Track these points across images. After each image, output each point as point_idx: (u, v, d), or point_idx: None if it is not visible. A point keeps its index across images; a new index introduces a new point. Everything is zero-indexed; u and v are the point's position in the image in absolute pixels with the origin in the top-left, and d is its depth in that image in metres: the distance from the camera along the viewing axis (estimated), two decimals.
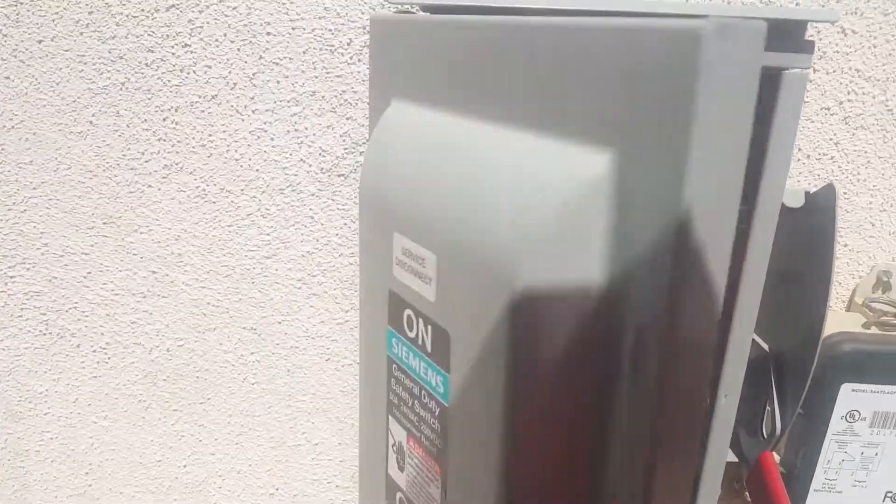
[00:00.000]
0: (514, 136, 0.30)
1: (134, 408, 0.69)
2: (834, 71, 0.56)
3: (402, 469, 0.36)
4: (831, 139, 0.58)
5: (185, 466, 0.71)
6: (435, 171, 0.32)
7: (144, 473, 0.72)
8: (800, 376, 0.52)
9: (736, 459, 0.56)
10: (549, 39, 0.29)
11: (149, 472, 0.72)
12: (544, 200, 0.28)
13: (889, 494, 0.57)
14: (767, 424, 0.54)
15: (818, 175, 0.59)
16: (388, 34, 0.41)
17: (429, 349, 0.32)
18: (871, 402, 0.55)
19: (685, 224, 0.25)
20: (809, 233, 0.50)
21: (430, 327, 0.31)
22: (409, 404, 0.35)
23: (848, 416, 0.55)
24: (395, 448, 0.36)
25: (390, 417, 0.36)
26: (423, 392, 0.33)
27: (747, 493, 0.55)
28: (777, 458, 0.58)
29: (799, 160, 0.58)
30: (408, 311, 0.33)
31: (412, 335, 0.33)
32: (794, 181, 0.59)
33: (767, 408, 0.54)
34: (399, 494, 0.37)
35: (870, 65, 0.56)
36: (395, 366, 0.35)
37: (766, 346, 0.53)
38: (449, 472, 0.32)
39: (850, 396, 0.55)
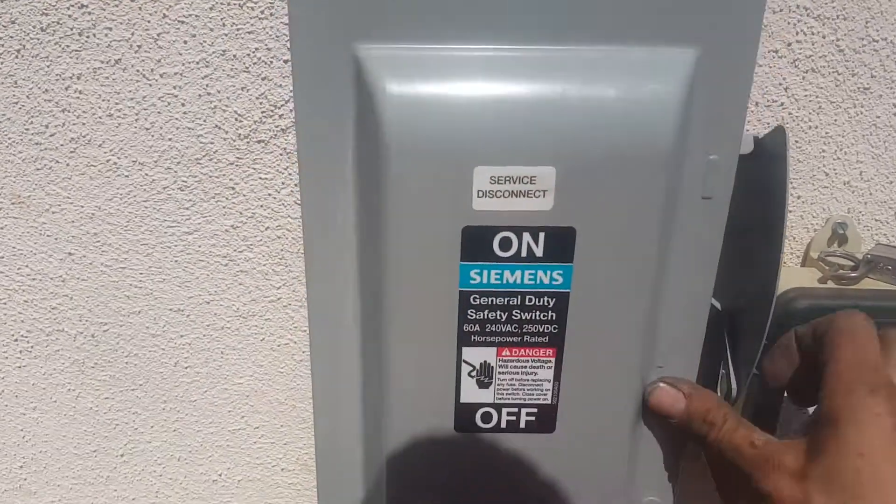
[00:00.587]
0: (581, 52, 0.38)
1: (63, 398, 0.65)
2: (781, 10, 0.52)
3: (487, 385, 0.42)
4: (780, 84, 0.54)
5: (122, 456, 0.68)
6: (522, 99, 0.37)
7: (81, 465, 0.69)
8: (755, 335, 0.49)
9: None
10: None
11: (85, 462, 0.69)
12: (656, 93, 0.37)
13: None
14: (723, 386, 0.51)
15: (767, 123, 0.55)
16: None
17: (539, 254, 0.39)
18: None
19: None
20: (760, 181, 0.47)
21: (542, 234, 0.38)
22: (501, 318, 0.41)
23: None
24: (474, 372, 0.42)
25: (464, 349, 0.41)
26: (525, 297, 0.40)
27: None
28: None
29: (747, 107, 0.55)
30: (502, 234, 0.38)
31: (509, 254, 0.39)
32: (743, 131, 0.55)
33: (723, 370, 0.51)
34: (482, 411, 0.43)
35: (819, 2, 0.52)
36: (472, 297, 0.40)
37: (718, 306, 0.50)
38: (566, 348, 0.41)
39: None
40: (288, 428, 0.66)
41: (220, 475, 0.69)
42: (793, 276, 0.56)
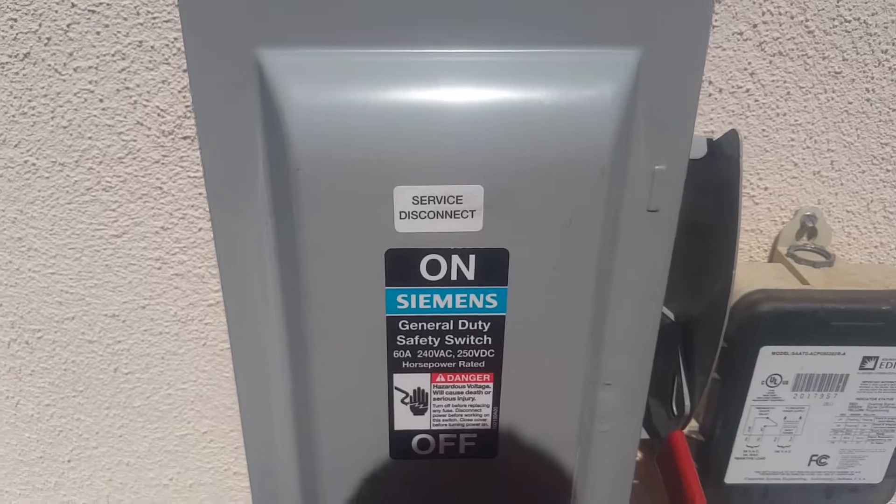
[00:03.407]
0: (511, 56, 0.34)
1: (2, 405, 0.63)
2: None
3: (422, 412, 0.40)
4: (746, 69, 0.51)
5: (69, 461, 0.66)
6: (445, 109, 0.33)
7: (27, 471, 0.66)
8: (710, 344, 0.46)
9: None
10: None
11: (31, 468, 0.66)
12: (594, 99, 0.33)
13: (814, 458, 0.52)
14: (677, 401, 0.48)
15: (732, 111, 0.52)
16: None
17: (470, 277, 0.36)
18: (794, 364, 0.49)
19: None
20: (714, 185, 0.44)
21: (473, 256, 0.35)
22: (433, 345, 0.38)
23: (769, 381, 0.50)
24: (407, 399, 0.39)
25: (395, 375, 0.38)
26: (458, 322, 0.37)
27: (659, 473, 0.50)
28: (696, 425, 0.53)
29: (710, 95, 0.51)
30: (429, 257, 0.35)
31: (437, 277, 0.36)
32: (707, 119, 0.52)
33: (676, 383, 0.49)
34: (417, 437, 0.40)
35: None
36: (401, 322, 0.37)
37: (671, 316, 0.47)
38: (504, 372, 0.38)
39: (771, 360, 0.49)
40: (237, 432, 0.64)
41: (170, 479, 0.66)
42: (758, 272, 0.53)
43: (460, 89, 0.33)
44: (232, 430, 0.63)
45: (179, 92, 0.49)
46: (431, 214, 0.34)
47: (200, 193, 0.53)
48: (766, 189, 0.54)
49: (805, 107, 0.52)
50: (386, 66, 0.33)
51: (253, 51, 0.33)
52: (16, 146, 0.51)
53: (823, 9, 0.49)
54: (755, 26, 0.49)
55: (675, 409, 0.47)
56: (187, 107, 0.50)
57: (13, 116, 0.50)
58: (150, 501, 0.68)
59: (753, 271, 0.53)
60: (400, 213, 0.34)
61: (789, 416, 0.51)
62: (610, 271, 0.37)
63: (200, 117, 0.34)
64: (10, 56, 0.49)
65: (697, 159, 0.41)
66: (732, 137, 0.39)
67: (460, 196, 0.34)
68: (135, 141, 0.51)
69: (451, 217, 0.34)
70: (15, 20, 0.47)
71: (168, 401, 0.62)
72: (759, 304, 0.48)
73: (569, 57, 0.33)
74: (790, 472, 0.52)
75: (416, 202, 0.34)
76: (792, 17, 0.49)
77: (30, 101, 0.50)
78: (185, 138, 0.51)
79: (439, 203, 0.34)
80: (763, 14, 0.49)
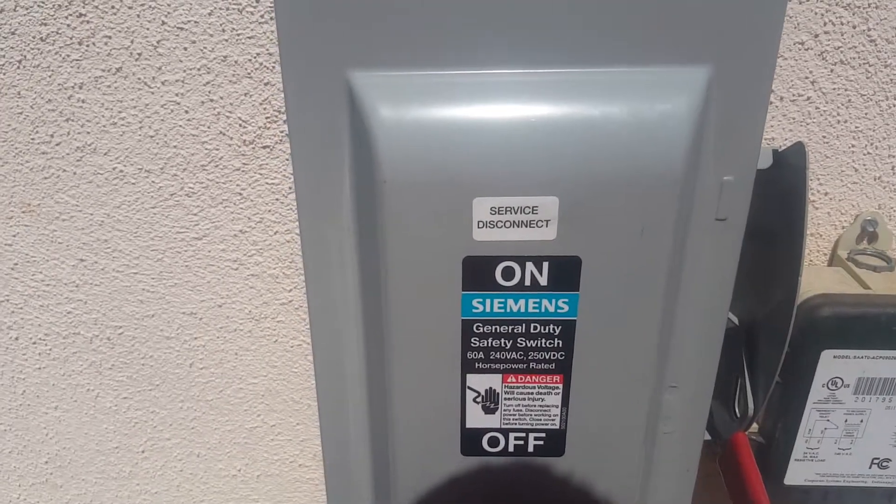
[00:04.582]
0: (587, 75, 0.36)
1: (83, 397, 0.66)
2: (808, 0, 0.49)
3: (493, 411, 0.42)
4: (807, 77, 0.51)
5: (142, 452, 0.69)
6: (519, 123, 0.35)
7: (103, 460, 0.70)
8: (774, 348, 0.47)
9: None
10: None
11: (107, 458, 0.70)
12: (667, 114, 0.35)
13: (876, 461, 0.53)
14: (740, 404, 0.50)
15: (793, 119, 0.52)
16: (331, 1, 0.35)
17: (543, 283, 0.38)
18: (855, 368, 0.50)
19: None
20: (780, 194, 0.45)
21: (546, 263, 0.37)
22: (506, 346, 0.40)
23: (830, 384, 0.51)
24: (479, 398, 0.41)
25: (468, 375, 0.41)
26: (530, 325, 0.39)
27: (721, 474, 0.51)
28: (756, 427, 0.54)
29: (771, 103, 0.52)
30: (504, 264, 0.37)
31: (512, 283, 0.38)
32: (767, 127, 0.53)
33: (740, 386, 0.50)
34: (488, 435, 0.42)
35: None
36: (475, 325, 0.39)
37: (735, 320, 0.48)
38: (574, 374, 0.40)
39: (832, 363, 0.50)
40: (304, 426, 0.66)
41: (238, 470, 0.70)
42: (819, 276, 0.54)
43: (538, 106, 0.35)
44: (298, 424, 0.66)
45: (260, 104, 0.52)
46: (508, 224, 0.36)
47: (277, 199, 0.55)
48: (826, 194, 0.55)
49: (866, 114, 0.52)
50: (467, 86, 0.35)
51: (344, 72, 0.35)
52: (105, 154, 0.55)
53: (885, 18, 0.49)
54: (816, 36, 0.50)
55: (737, 411, 0.48)
56: (267, 118, 0.52)
57: (104, 126, 0.54)
58: (218, 491, 0.71)
59: (814, 276, 0.53)
60: (478, 222, 0.36)
61: (850, 419, 0.52)
62: (678, 278, 0.39)
63: (294, 133, 0.37)
64: (103, 70, 0.52)
65: (763, 169, 0.42)
66: (799, 149, 0.40)
67: (536, 206, 0.35)
68: (217, 150, 0.54)
69: (526, 226, 0.36)
70: (109, 37, 0.51)
71: (239, 395, 0.65)
72: (820, 308, 0.49)
73: (643, 75, 0.35)
74: (851, 475, 0.53)
75: (493, 212, 0.36)
76: (854, 27, 0.50)
77: (120, 112, 0.53)
78: (264, 147, 0.53)
79: (516, 213, 0.36)
80: (825, 24, 0.50)
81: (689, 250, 0.38)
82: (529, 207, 0.35)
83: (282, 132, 0.53)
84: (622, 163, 0.35)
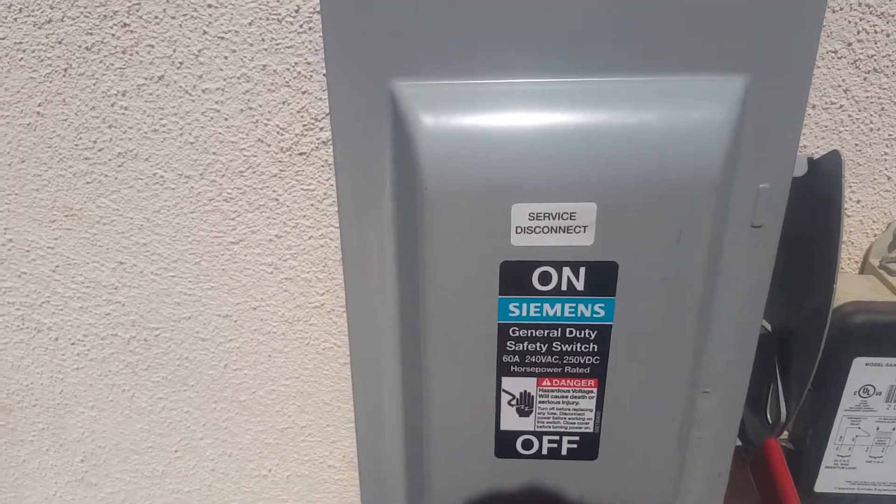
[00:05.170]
0: (625, 84, 0.37)
1: (119, 397, 0.68)
2: (841, 8, 0.50)
3: (527, 414, 0.42)
4: (840, 86, 0.52)
5: (176, 452, 0.70)
6: (562, 132, 0.36)
7: (137, 459, 0.71)
8: (808, 355, 0.48)
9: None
10: None
11: (141, 457, 0.71)
12: (705, 122, 0.35)
13: None
14: (772, 410, 0.50)
15: (826, 126, 0.53)
16: (375, 13, 0.36)
17: (580, 288, 0.38)
18: (887, 375, 0.50)
19: None
20: (814, 201, 0.45)
21: (583, 268, 0.38)
22: (541, 350, 0.40)
23: (861, 392, 0.51)
24: (514, 401, 0.42)
25: (504, 378, 0.41)
26: (566, 329, 0.40)
27: (752, 480, 0.51)
28: (786, 433, 0.54)
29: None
30: (541, 269, 0.38)
31: (548, 287, 0.39)
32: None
33: (772, 392, 0.50)
34: (522, 438, 0.43)
35: None
36: (511, 329, 0.40)
37: (768, 327, 0.49)
38: (609, 379, 0.41)
39: (864, 371, 0.50)
40: (334, 427, 0.67)
41: (269, 471, 0.71)
42: (850, 284, 0.54)
43: (576, 114, 0.36)
44: (328, 425, 0.67)
45: (298, 112, 0.53)
46: (546, 229, 0.37)
47: (312, 205, 0.56)
48: (858, 202, 0.55)
49: None
50: (506, 95, 0.36)
51: (387, 82, 0.36)
52: (146, 160, 0.56)
53: None
54: (850, 45, 0.50)
55: (769, 417, 0.48)
56: (304, 126, 0.54)
57: (145, 133, 0.55)
58: (248, 491, 0.72)
59: (845, 283, 0.54)
60: (516, 227, 0.37)
61: (882, 427, 0.52)
62: (714, 284, 0.39)
63: (338, 140, 0.38)
64: (145, 78, 0.53)
65: (798, 177, 0.42)
66: (834, 157, 0.40)
67: (574, 212, 0.36)
68: (255, 156, 0.55)
69: (563, 232, 0.37)
70: (152, 46, 0.52)
71: (271, 396, 0.66)
72: (852, 315, 0.49)
73: (680, 84, 0.36)
74: (882, 483, 0.52)
75: (531, 218, 0.36)
76: (888, 35, 0.50)
77: (161, 119, 0.54)
78: (300, 154, 0.54)
79: (553, 219, 0.36)
80: (858, 33, 0.50)
81: (724, 257, 0.39)
82: (567, 213, 0.36)
83: (318, 139, 0.54)
84: (659, 169, 0.35)
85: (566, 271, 0.38)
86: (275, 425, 0.68)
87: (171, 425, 0.69)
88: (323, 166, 0.55)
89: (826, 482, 0.53)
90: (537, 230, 0.37)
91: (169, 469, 0.72)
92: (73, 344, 0.65)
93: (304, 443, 0.69)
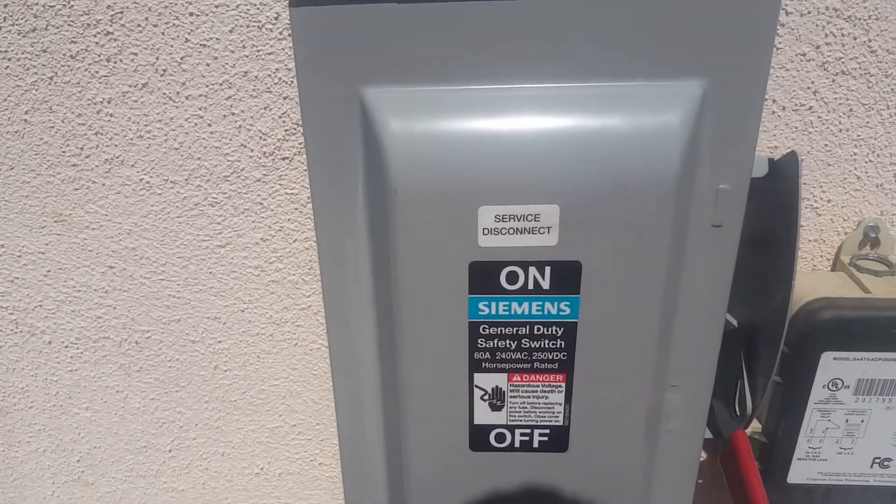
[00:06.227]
0: (585, 89, 0.38)
1: (112, 398, 0.69)
2: (809, 12, 0.51)
3: (499, 408, 0.44)
4: (809, 87, 0.53)
5: (169, 451, 0.72)
6: (526, 137, 0.37)
7: (132, 459, 0.73)
8: (771, 350, 0.49)
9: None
10: None
11: (136, 457, 0.73)
12: (663, 126, 0.37)
13: (877, 460, 0.54)
14: (740, 403, 0.51)
15: (796, 128, 0.54)
16: (344, 23, 0.37)
17: (545, 287, 0.40)
18: (855, 369, 0.51)
19: None
20: (775, 200, 0.46)
21: (549, 268, 0.39)
22: (511, 347, 0.42)
23: (830, 385, 0.52)
24: (486, 396, 0.43)
25: (476, 374, 0.43)
26: (533, 327, 0.41)
27: (722, 471, 0.53)
28: (759, 426, 0.56)
29: (774, 112, 0.54)
30: (508, 269, 0.39)
31: (515, 286, 0.40)
32: (770, 136, 0.54)
33: (739, 386, 0.52)
34: (495, 431, 0.45)
35: (849, 2, 0.50)
36: (482, 327, 0.41)
37: (734, 322, 0.50)
38: (576, 373, 0.42)
39: (832, 365, 0.51)
40: (323, 426, 0.69)
41: (261, 469, 0.72)
42: (821, 281, 0.55)
43: (539, 119, 0.37)
44: (318, 424, 0.68)
45: (280, 117, 0.54)
46: (512, 231, 0.38)
47: (296, 209, 0.58)
48: (829, 201, 0.56)
49: (867, 122, 0.54)
50: (473, 100, 0.38)
51: (357, 89, 0.38)
52: (133, 166, 0.57)
53: (886, 30, 0.51)
54: (818, 47, 0.52)
55: (737, 410, 0.49)
56: (286, 130, 0.55)
57: (131, 139, 0.56)
58: (241, 489, 0.74)
59: (816, 280, 0.55)
60: (483, 229, 0.38)
61: (851, 419, 0.53)
62: (677, 282, 0.40)
63: (311, 147, 0.39)
64: (130, 86, 0.55)
65: (759, 178, 0.44)
66: (792, 158, 0.42)
67: (538, 214, 0.37)
68: (239, 161, 0.56)
69: (529, 233, 0.38)
70: (136, 54, 0.53)
71: (262, 396, 0.67)
72: (820, 311, 0.51)
73: (640, 89, 0.37)
74: (852, 474, 0.54)
75: (498, 220, 0.38)
76: (855, 39, 0.51)
77: (146, 125, 0.56)
78: (283, 159, 0.56)
79: (519, 221, 0.38)
80: (826, 36, 0.51)
81: (686, 255, 0.40)
82: (532, 215, 0.37)
83: (300, 144, 0.56)
84: (619, 172, 0.37)
85: (532, 271, 0.39)
86: (266, 424, 0.69)
87: (164, 425, 0.70)
88: (305, 171, 0.56)
89: (799, 474, 0.54)
90: (504, 231, 0.38)
91: (163, 468, 0.73)
92: (66, 347, 0.67)
93: (294, 441, 0.70)
